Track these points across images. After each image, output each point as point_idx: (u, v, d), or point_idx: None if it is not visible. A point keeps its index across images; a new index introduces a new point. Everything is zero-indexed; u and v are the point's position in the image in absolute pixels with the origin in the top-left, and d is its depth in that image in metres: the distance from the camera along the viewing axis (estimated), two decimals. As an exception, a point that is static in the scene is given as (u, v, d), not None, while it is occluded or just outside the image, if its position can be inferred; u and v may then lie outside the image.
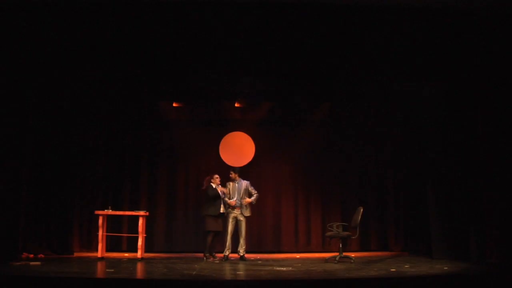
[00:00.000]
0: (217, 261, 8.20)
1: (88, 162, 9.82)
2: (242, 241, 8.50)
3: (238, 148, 10.49)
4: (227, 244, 8.51)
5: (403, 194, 10.13)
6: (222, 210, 8.60)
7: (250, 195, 8.62)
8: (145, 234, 8.55)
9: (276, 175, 10.46)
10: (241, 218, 8.54)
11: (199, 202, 10.17)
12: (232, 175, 8.78)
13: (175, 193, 10.28)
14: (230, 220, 8.54)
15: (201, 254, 8.64)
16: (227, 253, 8.48)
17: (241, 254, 8.47)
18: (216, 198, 8.62)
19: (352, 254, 8.44)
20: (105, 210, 8.56)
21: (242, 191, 8.60)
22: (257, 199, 8.76)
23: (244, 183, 8.69)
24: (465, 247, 7.87)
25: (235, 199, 8.58)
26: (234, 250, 8.58)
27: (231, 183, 8.72)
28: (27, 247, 8.30)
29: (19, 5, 7.14)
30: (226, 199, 8.62)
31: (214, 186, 8.74)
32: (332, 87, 9.08)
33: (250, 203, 8.63)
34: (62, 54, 7.41)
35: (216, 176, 8.88)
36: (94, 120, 9.99)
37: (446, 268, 6.99)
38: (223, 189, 8.73)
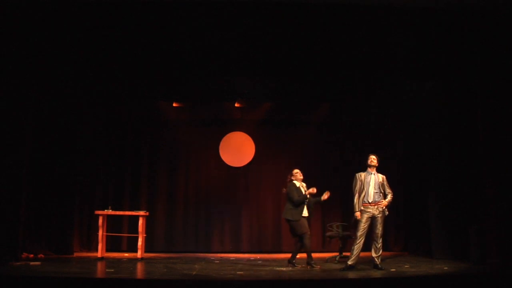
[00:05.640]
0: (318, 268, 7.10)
1: (88, 162, 9.83)
2: (379, 244, 6.85)
3: (238, 148, 10.49)
4: (359, 251, 6.82)
5: (403, 194, 10.12)
6: (306, 213, 7.23)
7: (385, 194, 6.98)
8: (145, 234, 8.54)
9: (276, 175, 10.44)
10: (379, 215, 6.87)
11: (198, 202, 10.18)
12: (374, 161, 7.03)
13: (175, 193, 10.28)
14: (364, 220, 6.82)
15: (202, 254, 8.56)
16: (352, 262, 6.80)
17: (379, 262, 6.88)
18: (301, 203, 7.15)
19: (352, 254, 8.43)
20: (105, 210, 8.56)
21: (379, 185, 6.95)
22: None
23: (381, 176, 7.05)
24: (465, 247, 7.86)
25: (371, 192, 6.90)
26: (232, 249, 8.54)
27: (362, 174, 7.00)
28: (27, 247, 8.29)
29: (19, 5, 7.14)
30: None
31: (297, 185, 7.28)
32: (332, 87, 9.08)
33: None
34: (62, 54, 7.40)
35: (296, 170, 7.41)
36: (94, 120, 9.99)
37: (446, 268, 6.99)
38: (310, 190, 7.14)
